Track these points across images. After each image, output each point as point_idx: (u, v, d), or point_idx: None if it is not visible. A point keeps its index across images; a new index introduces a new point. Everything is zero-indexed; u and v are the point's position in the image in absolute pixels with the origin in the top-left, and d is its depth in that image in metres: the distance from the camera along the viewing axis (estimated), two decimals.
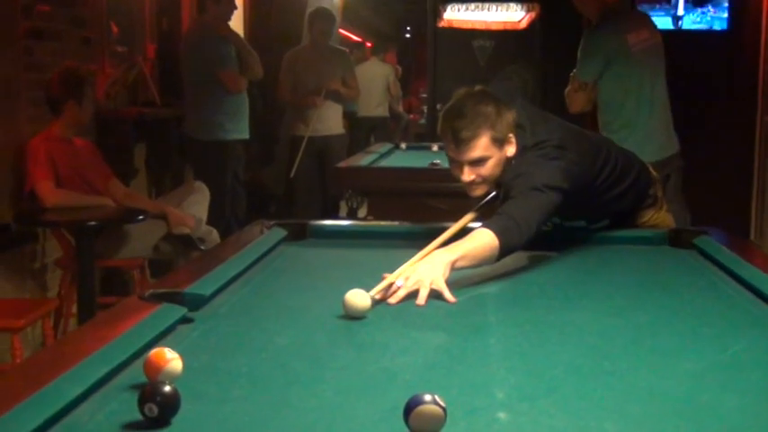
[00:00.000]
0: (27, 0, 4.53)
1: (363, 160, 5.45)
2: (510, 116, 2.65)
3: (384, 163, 5.56)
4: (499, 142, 2.62)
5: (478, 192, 2.72)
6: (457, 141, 2.61)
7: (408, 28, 14.80)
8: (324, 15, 7.00)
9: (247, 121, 6.02)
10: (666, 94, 4.51)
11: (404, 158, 5.84)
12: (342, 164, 5.38)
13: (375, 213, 4.73)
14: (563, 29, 8.56)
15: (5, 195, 4.37)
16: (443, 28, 6.71)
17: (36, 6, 4.62)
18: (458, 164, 2.66)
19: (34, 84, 4.52)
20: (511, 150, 2.66)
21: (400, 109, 11.36)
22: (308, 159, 6.76)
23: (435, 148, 6.30)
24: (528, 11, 6.00)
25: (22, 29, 4.49)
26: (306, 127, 6.72)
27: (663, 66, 4.52)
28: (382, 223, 3.21)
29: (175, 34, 6.62)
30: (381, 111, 10.15)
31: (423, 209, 4.51)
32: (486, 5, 5.99)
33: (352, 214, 5.26)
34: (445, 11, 6.13)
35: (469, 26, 6.37)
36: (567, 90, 4.58)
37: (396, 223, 3.09)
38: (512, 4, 6.02)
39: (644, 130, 4.34)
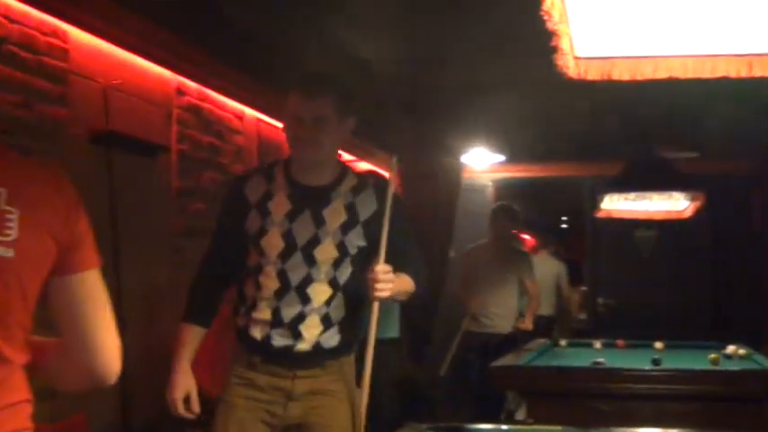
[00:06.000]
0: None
1: (521, 359, 5.17)
2: None
3: (542, 362, 5.27)
4: None
5: None
6: None
7: (565, 218, 14.12)
8: (508, 211, 6.55)
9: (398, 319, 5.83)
10: None
11: (564, 357, 5.59)
12: (497, 362, 5.09)
13: (535, 416, 4.45)
14: (730, 218, 8.24)
15: None
16: (602, 218, 6.44)
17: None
18: None
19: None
20: None
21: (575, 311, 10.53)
22: (470, 356, 6.34)
23: (598, 345, 5.99)
24: (692, 200, 5.70)
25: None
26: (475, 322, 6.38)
27: None
28: (543, 428, 2.94)
29: None
30: (547, 310, 9.07)
31: (585, 411, 4.23)
32: (648, 195, 5.71)
33: (509, 417, 4.98)
34: (602, 200, 5.86)
35: (630, 216, 6.07)
36: None
37: (558, 428, 2.82)
38: (674, 194, 5.73)
39: None
